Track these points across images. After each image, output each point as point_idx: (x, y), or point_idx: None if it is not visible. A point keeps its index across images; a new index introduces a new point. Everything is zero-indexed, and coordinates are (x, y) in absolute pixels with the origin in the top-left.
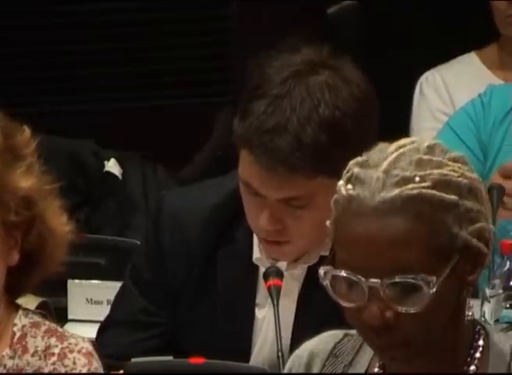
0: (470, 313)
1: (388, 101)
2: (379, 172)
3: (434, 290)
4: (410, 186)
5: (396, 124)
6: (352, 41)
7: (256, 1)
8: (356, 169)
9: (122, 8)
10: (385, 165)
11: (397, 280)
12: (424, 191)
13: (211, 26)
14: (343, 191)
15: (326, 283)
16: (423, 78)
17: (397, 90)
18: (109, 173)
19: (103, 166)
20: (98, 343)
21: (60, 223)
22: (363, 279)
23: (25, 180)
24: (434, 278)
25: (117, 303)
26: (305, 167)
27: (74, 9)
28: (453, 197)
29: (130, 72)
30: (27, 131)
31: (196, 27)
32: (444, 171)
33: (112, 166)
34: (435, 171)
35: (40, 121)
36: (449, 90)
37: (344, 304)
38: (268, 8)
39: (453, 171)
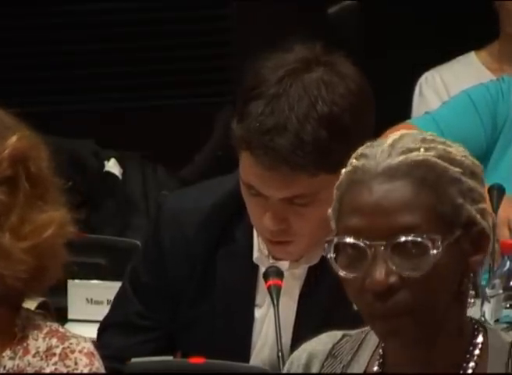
0: (472, 300)
1: (388, 101)
2: (384, 146)
3: (439, 250)
4: (415, 153)
5: (396, 124)
6: (352, 41)
7: (256, 1)
8: (360, 150)
9: (122, 8)
10: (389, 141)
11: (402, 239)
12: (429, 157)
13: (211, 26)
14: (348, 168)
15: (330, 256)
16: (422, 78)
17: (397, 90)
18: (109, 173)
19: (103, 166)
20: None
21: (14, 236)
22: (367, 242)
23: None
24: (439, 237)
25: (115, 305)
26: (307, 165)
27: (74, 9)
28: (457, 169)
29: (130, 72)
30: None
31: (196, 27)
32: (448, 148)
33: (112, 166)
34: (440, 146)
35: (40, 121)
36: (448, 90)
37: (347, 275)
38: (268, 8)
39: (457, 151)
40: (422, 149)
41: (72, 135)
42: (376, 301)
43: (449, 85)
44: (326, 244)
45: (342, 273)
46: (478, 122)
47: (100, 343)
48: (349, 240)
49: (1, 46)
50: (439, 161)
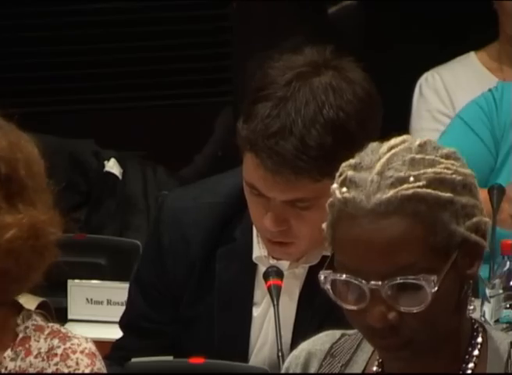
0: (471, 307)
1: (388, 102)
2: (373, 174)
3: (436, 289)
4: (405, 186)
5: (396, 124)
6: (352, 41)
7: (256, 0)
8: (350, 173)
9: (122, 8)
10: (378, 166)
11: (398, 281)
12: (419, 190)
13: (211, 26)
14: (338, 195)
15: (327, 287)
16: (422, 79)
17: (397, 90)
18: (109, 173)
19: (103, 166)
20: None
21: None
22: (364, 282)
23: None
24: (435, 277)
25: (126, 305)
26: (311, 170)
27: (74, 9)
28: (448, 194)
29: (130, 72)
30: None
31: (196, 27)
32: (437, 169)
33: (112, 166)
34: (429, 170)
35: (40, 121)
36: (448, 90)
37: (346, 307)
38: (268, 8)
39: (447, 168)
40: (411, 178)
41: (72, 135)
42: (377, 336)
43: (449, 85)
44: (323, 278)
45: (341, 305)
46: (479, 143)
47: (115, 344)
48: (345, 278)
49: (1, 46)
50: (428, 191)
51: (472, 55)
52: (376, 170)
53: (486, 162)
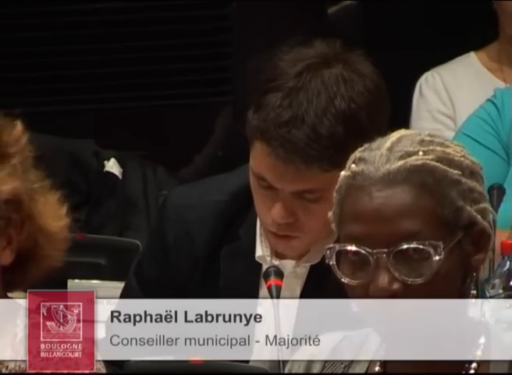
0: (472, 300)
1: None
2: (383, 150)
3: (441, 256)
4: (414, 158)
5: (396, 124)
6: (352, 42)
7: (256, 0)
8: (358, 154)
9: (123, 8)
10: (388, 144)
11: (404, 246)
12: (428, 162)
13: (211, 26)
14: (347, 172)
15: (332, 262)
16: (422, 79)
17: (397, 90)
18: (109, 173)
19: (103, 166)
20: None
21: (53, 220)
22: (369, 250)
23: (6, 183)
24: (441, 243)
25: (122, 298)
26: (322, 159)
27: (74, 9)
28: (456, 172)
29: (130, 72)
30: (18, 127)
31: (196, 27)
32: (446, 150)
33: (112, 166)
34: (438, 148)
35: (40, 121)
36: (448, 90)
37: (351, 282)
38: (268, 8)
39: (455, 151)
40: (421, 153)
41: (72, 135)
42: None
43: (449, 85)
44: (328, 251)
45: (345, 280)
46: (489, 154)
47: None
48: (351, 248)
49: (1, 46)
50: (437, 164)
51: (472, 55)
52: (386, 147)
53: (501, 170)
